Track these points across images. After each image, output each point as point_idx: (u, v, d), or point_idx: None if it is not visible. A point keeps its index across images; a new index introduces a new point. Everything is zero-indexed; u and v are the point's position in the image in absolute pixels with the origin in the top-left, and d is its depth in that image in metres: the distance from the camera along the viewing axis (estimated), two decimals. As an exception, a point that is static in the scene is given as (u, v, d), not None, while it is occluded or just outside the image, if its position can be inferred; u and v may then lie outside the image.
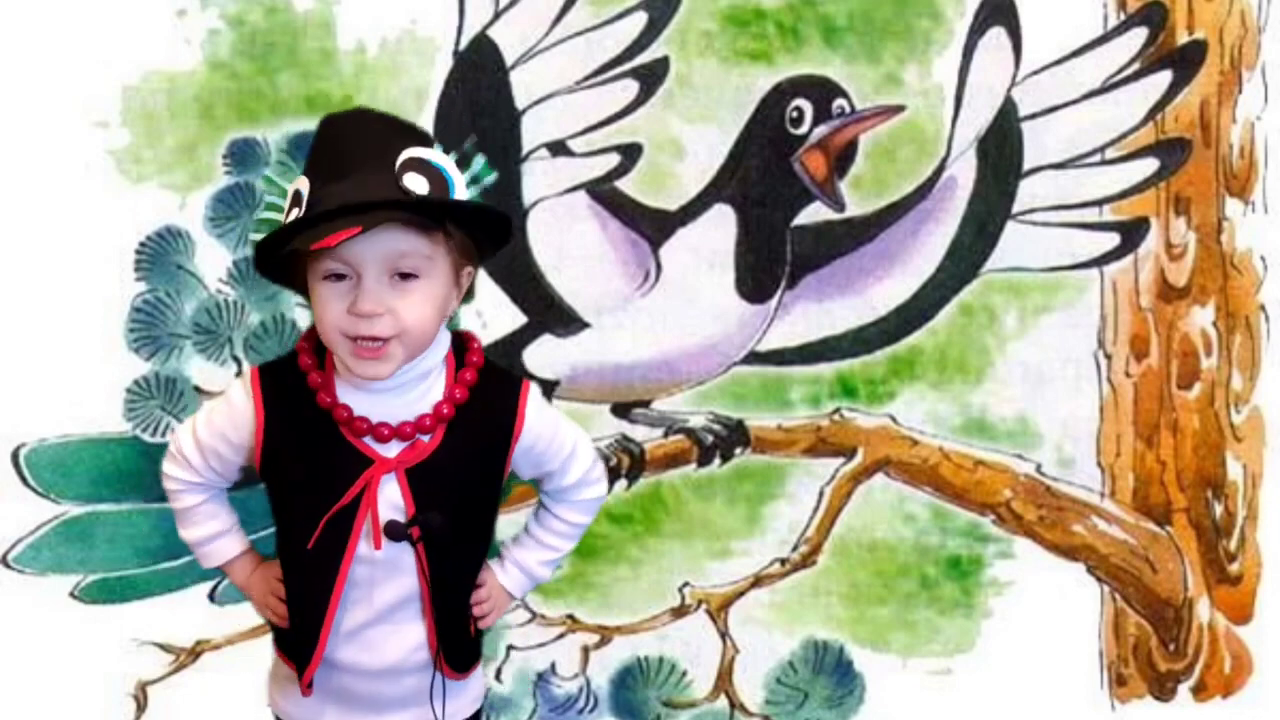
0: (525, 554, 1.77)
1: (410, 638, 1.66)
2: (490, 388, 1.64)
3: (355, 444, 1.60)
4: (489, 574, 1.75)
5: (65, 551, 2.42)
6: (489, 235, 1.62)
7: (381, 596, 1.64)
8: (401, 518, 1.60)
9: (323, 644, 1.64)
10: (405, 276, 1.54)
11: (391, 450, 1.60)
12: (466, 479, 1.63)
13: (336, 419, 1.59)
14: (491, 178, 1.69)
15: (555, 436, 1.69)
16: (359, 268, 1.53)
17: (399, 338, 1.54)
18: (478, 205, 1.61)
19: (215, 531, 1.73)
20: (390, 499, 1.60)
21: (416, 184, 1.52)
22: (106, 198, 2.35)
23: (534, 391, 1.67)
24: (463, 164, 1.64)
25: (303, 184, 1.55)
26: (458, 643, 1.70)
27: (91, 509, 2.41)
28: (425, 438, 1.60)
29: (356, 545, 1.60)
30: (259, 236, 1.61)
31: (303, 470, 1.61)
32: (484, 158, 1.70)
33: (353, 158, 1.52)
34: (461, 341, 1.65)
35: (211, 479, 1.69)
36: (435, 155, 1.56)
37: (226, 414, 1.66)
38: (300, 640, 1.66)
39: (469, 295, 1.68)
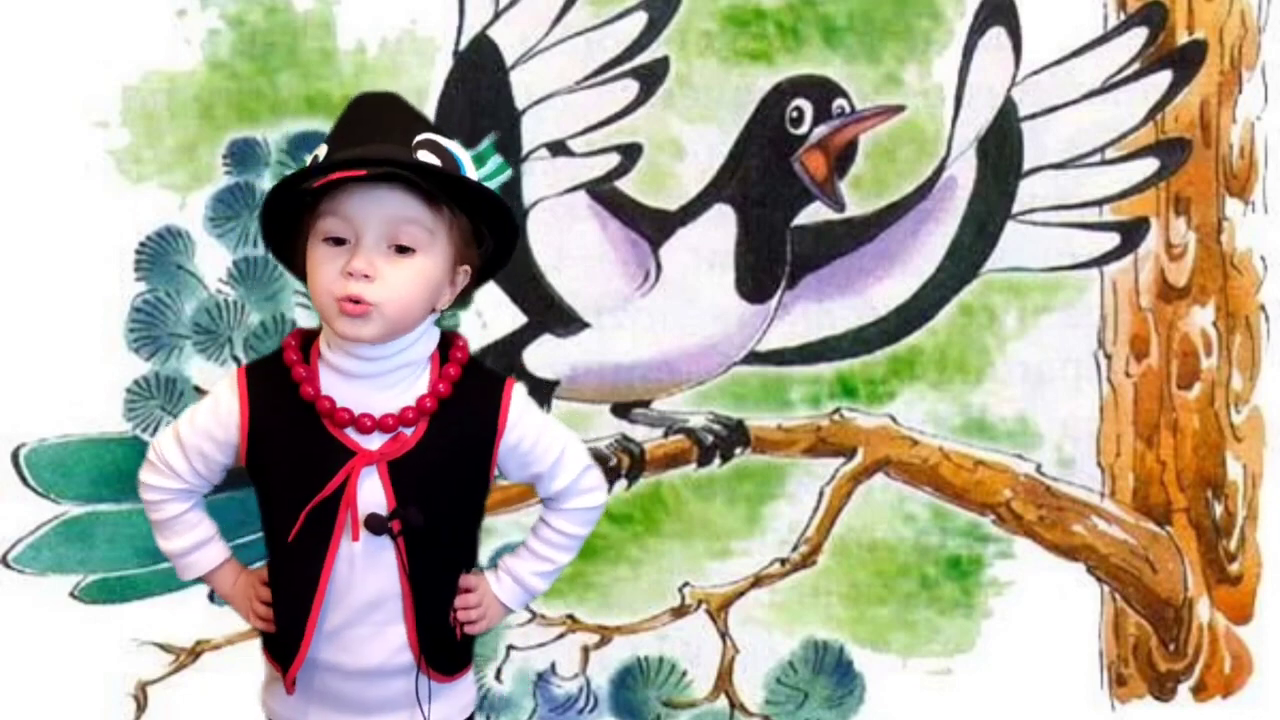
0: (519, 564, 1.76)
1: (392, 640, 1.66)
2: (475, 384, 1.65)
3: (338, 436, 1.60)
4: (483, 582, 1.75)
5: (65, 551, 2.42)
6: (493, 233, 1.64)
7: (362, 595, 1.63)
8: (383, 511, 1.60)
9: (308, 639, 1.63)
10: (403, 250, 1.56)
11: (374, 443, 1.60)
12: (448, 474, 1.63)
13: (319, 410, 1.60)
14: (504, 176, 1.69)
15: (542, 437, 1.68)
16: (360, 229, 1.54)
17: (379, 306, 1.55)
18: (481, 185, 1.61)
19: (197, 541, 1.72)
20: (372, 492, 1.60)
21: (428, 159, 1.56)
22: (106, 198, 2.35)
23: (519, 389, 1.68)
24: (479, 161, 1.65)
25: (321, 150, 1.58)
26: (439, 644, 1.69)
27: (91, 509, 2.41)
28: (408, 430, 1.61)
29: (340, 538, 1.60)
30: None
31: (286, 464, 1.62)
32: (500, 157, 1.70)
33: (372, 130, 1.57)
34: (447, 340, 1.66)
35: (195, 483, 1.69)
36: (452, 144, 1.60)
37: (212, 411, 1.66)
38: (285, 637, 1.66)
39: (466, 301, 1.69)
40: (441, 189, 1.55)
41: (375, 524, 1.60)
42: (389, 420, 1.59)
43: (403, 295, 1.56)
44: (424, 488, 1.61)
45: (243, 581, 1.74)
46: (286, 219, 1.61)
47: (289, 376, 1.61)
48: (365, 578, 1.63)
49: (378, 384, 1.61)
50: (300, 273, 1.63)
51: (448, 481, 1.63)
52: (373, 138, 1.56)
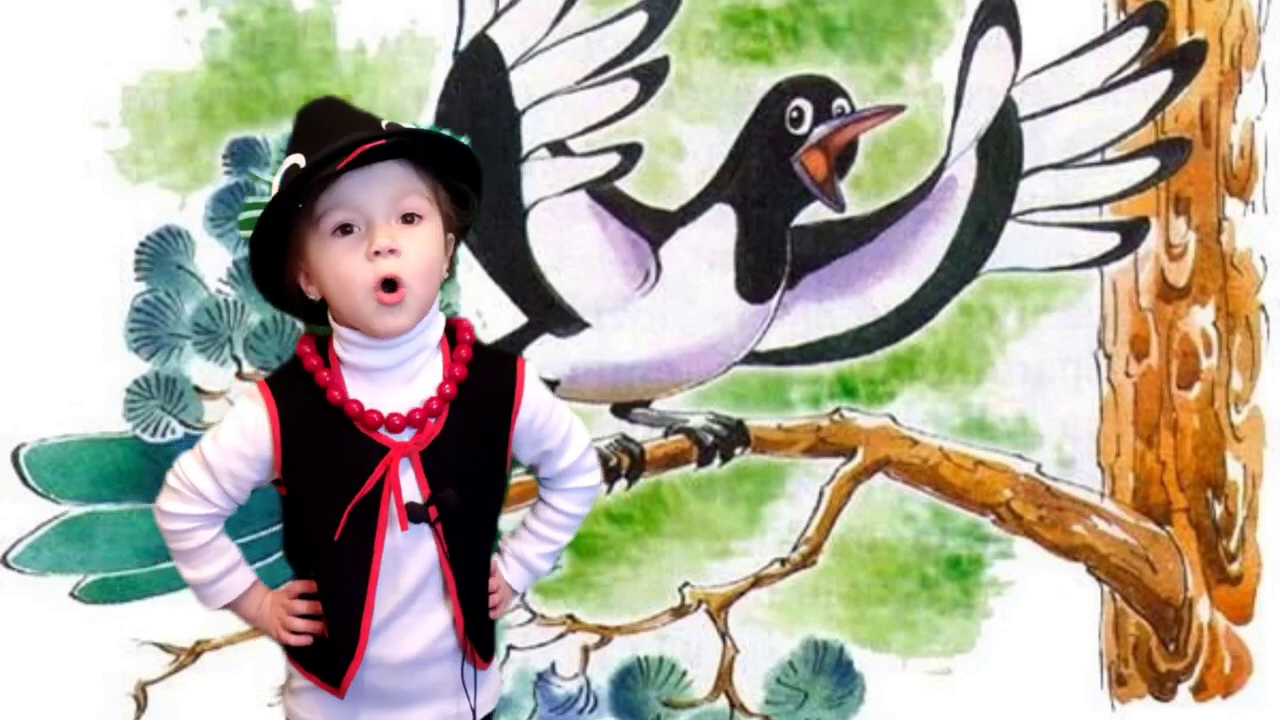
0: (524, 547, 1.79)
1: (433, 627, 1.67)
2: (488, 365, 1.68)
3: (369, 435, 1.62)
4: (496, 567, 1.77)
5: (65, 551, 2.42)
6: (466, 195, 1.68)
7: (404, 586, 1.65)
8: (419, 501, 1.63)
9: (365, 635, 1.65)
10: (409, 219, 1.59)
11: (404, 436, 1.63)
12: (475, 455, 1.66)
13: (348, 414, 1.62)
14: None
15: (553, 412, 1.73)
16: (368, 212, 1.57)
17: (409, 285, 1.58)
18: (460, 142, 1.65)
19: (227, 567, 1.72)
20: (408, 483, 1.63)
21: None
22: (106, 198, 2.35)
23: (530, 367, 1.72)
24: None
25: (296, 158, 1.60)
26: (482, 626, 1.72)
27: (91, 509, 2.41)
28: (434, 420, 1.63)
29: (384, 532, 1.62)
30: (246, 232, 1.64)
31: (323, 469, 1.63)
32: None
33: (341, 127, 1.59)
34: (451, 326, 1.69)
35: (224, 506, 1.68)
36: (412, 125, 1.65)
37: (238, 430, 1.65)
38: (340, 637, 1.66)
39: (451, 271, 1.72)
40: (434, 152, 1.60)
41: (415, 512, 1.62)
42: (416, 415, 1.62)
43: (423, 263, 1.59)
44: (455, 472, 1.63)
45: (270, 601, 1.73)
46: (269, 255, 1.63)
47: (311, 383, 1.63)
48: (407, 569, 1.65)
49: (399, 375, 1.63)
50: (289, 304, 1.66)
51: (476, 463, 1.66)
52: (344, 131, 1.57)
